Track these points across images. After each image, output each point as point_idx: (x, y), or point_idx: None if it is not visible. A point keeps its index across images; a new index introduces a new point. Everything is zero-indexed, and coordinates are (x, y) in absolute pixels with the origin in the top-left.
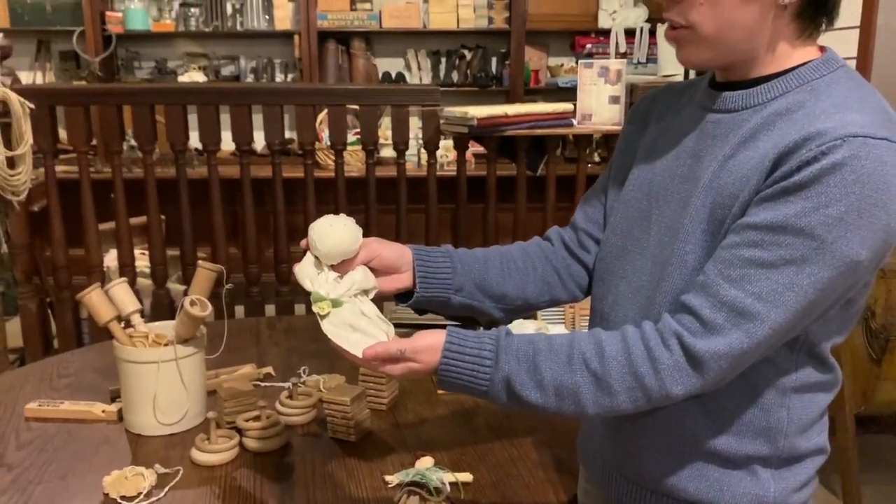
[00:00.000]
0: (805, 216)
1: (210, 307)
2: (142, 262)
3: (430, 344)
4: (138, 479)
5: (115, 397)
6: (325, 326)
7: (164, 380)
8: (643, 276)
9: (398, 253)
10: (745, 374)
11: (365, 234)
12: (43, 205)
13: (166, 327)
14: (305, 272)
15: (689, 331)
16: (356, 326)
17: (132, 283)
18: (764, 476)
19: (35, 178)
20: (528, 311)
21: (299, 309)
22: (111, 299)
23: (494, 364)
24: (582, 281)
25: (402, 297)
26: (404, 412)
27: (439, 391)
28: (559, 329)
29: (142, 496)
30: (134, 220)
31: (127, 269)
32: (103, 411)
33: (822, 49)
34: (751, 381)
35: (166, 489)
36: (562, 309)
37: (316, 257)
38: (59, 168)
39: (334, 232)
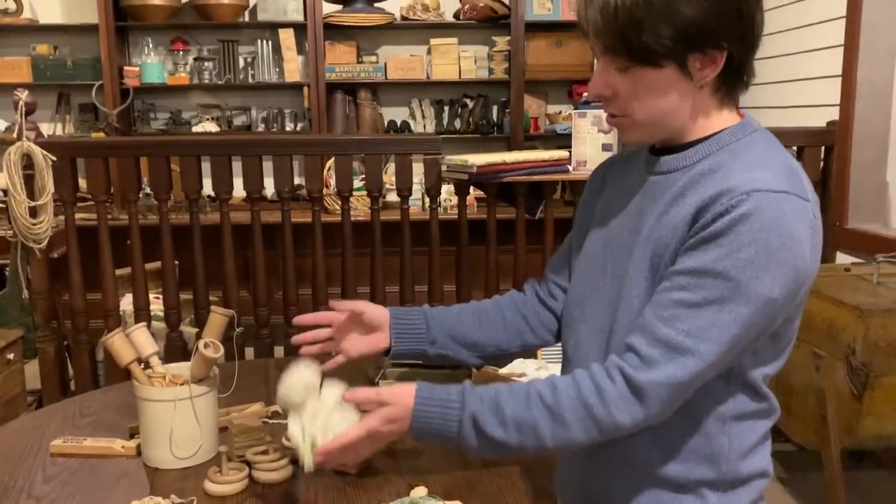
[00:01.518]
0: (721, 261)
1: (222, 349)
2: (156, 305)
3: (404, 391)
4: None
5: (133, 434)
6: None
7: (180, 417)
8: (601, 320)
9: (381, 313)
10: (688, 406)
11: (371, 277)
12: (62, 251)
13: (182, 368)
14: (292, 432)
15: (630, 365)
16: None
17: (147, 326)
18: (711, 499)
19: (55, 226)
20: (503, 357)
21: None
22: (132, 342)
23: (461, 405)
24: (552, 326)
25: (387, 352)
26: (401, 445)
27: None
28: (559, 367)
29: None
30: (148, 266)
31: (142, 312)
32: (123, 447)
33: (741, 114)
34: (693, 412)
35: None
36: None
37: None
38: (77, 216)
39: (286, 380)
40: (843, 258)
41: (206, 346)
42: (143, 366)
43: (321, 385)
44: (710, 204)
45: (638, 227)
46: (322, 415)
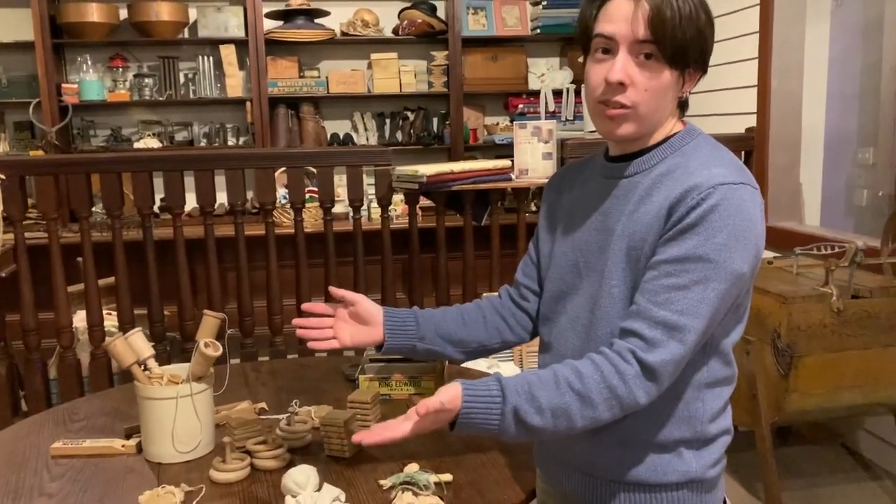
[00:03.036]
0: (701, 246)
1: (221, 348)
2: (109, 321)
3: (454, 394)
4: (169, 496)
5: (130, 434)
6: None
7: (182, 413)
8: (579, 311)
9: (374, 309)
10: (679, 381)
11: (325, 285)
12: (11, 270)
13: (176, 369)
14: None
15: (639, 348)
16: None
17: (100, 342)
18: (687, 456)
19: (3, 244)
20: (484, 353)
21: (262, 356)
22: (131, 346)
23: (503, 400)
24: (527, 325)
25: (379, 346)
26: None
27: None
28: (509, 365)
29: None
30: (100, 282)
31: (96, 329)
32: (123, 446)
33: (683, 122)
34: (674, 382)
35: (194, 503)
36: (510, 351)
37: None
38: (26, 234)
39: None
40: (765, 254)
41: (206, 345)
42: (142, 368)
43: (321, 482)
44: (681, 199)
45: (607, 225)
46: (321, 496)
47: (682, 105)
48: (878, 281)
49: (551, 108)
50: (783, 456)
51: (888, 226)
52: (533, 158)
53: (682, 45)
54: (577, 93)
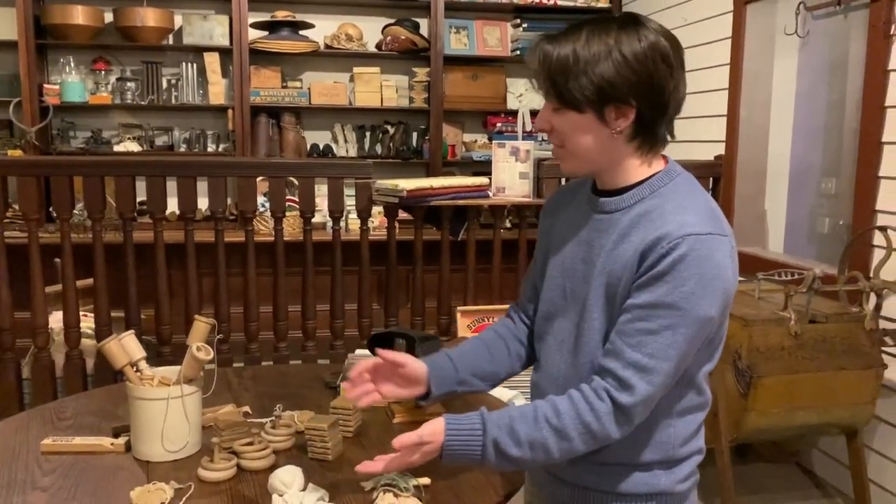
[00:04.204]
0: (670, 294)
1: (212, 352)
2: (85, 323)
3: (436, 429)
4: (160, 492)
5: (118, 433)
6: None
7: (171, 414)
8: (566, 334)
9: (421, 368)
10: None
11: (303, 295)
12: None
13: (167, 371)
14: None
15: (613, 387)
16: None
17: (76, 344)
18: (659, 474)
19: None
20: (510, 378)
21: (237, 363)
22: (124, 348)
23: (483, 433)
24: None
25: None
26: (368, 437)
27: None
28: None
29: None
30: (78, 283)
31: (72, 330)
32: (112, 444)
33: (666, 160)
34: (654, 411)
35: (184, 499)
36: None
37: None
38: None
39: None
40: None
41: (198, 349)
42: (134, 369)
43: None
44: (652, 247)
45: (590, 257)
46: (306, 496)
47: (644, 141)
48: (834, 307)
49: (528, 127)
50: (742, 473)
51: (845, 255)
52: (510, 177)
53: (561, 91)
54: None
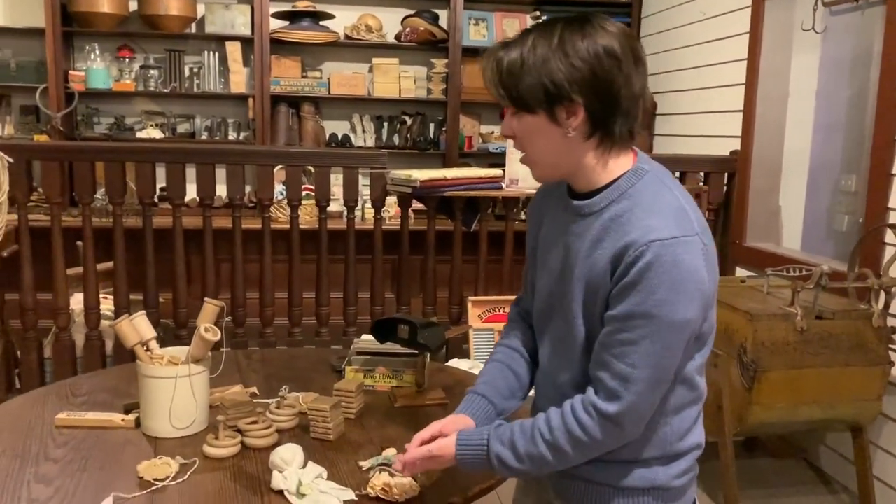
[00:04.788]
0: (642, 304)
1: (219, 333)
2: (105, 305)
3: (448, 444)
4: (166, 466)
5: (129, 410)
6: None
7: (179, 392)
8: (560, 333)
9: (461, 423)
10: None
11: (317, 283)
12: (12, 251)
13: (177, 351)
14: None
15: (601, 399)
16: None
17: (96, 325)
18: (657, 469)
19: (6, 225)
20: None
21: (252, 347)
22: (135, 328)
23: (487, 449)
24: None
25: None
26: (370, 419)
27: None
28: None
29: (169, 479)
30: (98, 266)
31: (92, 311)
32: (122, 420)
33: (635, 155)
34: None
35: (188, 474)
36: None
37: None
38: (29, 216)
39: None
40: (741, 273)
41: (206, 330)
42: (145, 348)
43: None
44: (621, 256)
45: (569, 262)
46: (305, 473)
47: (603, 138)
48: (843, 304)
49: None
50: (748, 467)
51: (855, 251)
52: (524, 169)
53: (511, 94)
54: None
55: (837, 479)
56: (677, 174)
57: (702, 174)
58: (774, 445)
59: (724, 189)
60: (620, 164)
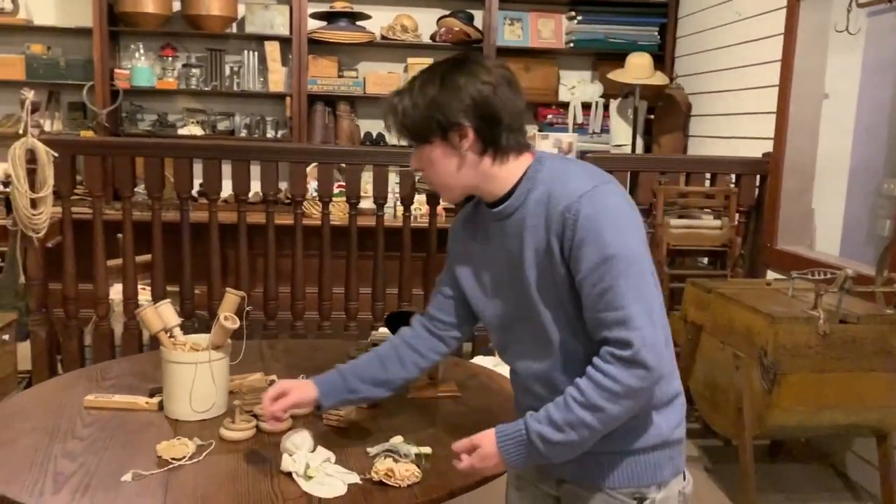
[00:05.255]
0: (599, 252)
1: (238, 321)
2: (142, 296)
3: (487, 436)
4: (183, 446)
5: (153, 393)
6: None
7: (200, 377)
8: (528, 337)
9: (308, 392)
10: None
11: (346, 278)
12: (56, 242)
13: (198, 338)
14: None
15: (614, 349)
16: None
17: (134, 315)
18: (657, 420)
19: (50, 217)
20: (408, 384)
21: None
22: (160, 315)
23: (526, 431)
24: (440, 349)
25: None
26: (381, 409)
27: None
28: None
29: (186, 458)
30: (137, 258)
31: (130, 301)
32: (146, 403)
33: (532, 153)
34: None
35: (204, 454)
36: None
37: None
38: (72, 209)
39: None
40: (772, 276)
41: (225, 318)
42: (168, 335)
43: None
44: (561, 223)
45: (512, 262)
46: (313, 457)
47: (495, 149)
48: (869, 308)
49: (580, 120)
50: (771, 471)
51: (884, 255)
52: None
53: (410, 132)
54: (606, 107)
55: (864, 486)
56: (708, 176)
57: (732, 176)
58: (800, 451)
59: (755, 192)
60: (520, 164)
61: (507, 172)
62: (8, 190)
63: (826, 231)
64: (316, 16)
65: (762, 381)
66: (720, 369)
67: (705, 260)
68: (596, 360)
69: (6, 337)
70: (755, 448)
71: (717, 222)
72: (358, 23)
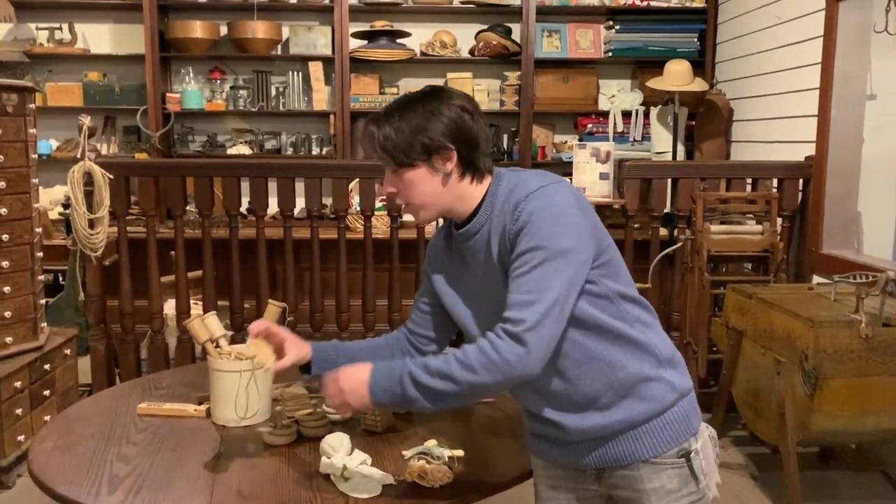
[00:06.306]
0: (531, 240)
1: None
2: (195, 310)
3: (361, 367)
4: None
5: (201, 401)
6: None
7: (244, 385)
8: (490, 324)
9: (305, 354)
10: (609, 327)
11: (389, 290)
12: (113, 260)
13: (243, 348)
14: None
15: (508, 325)
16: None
17: (187, 329)
18: (668, 377)
19: (107, 237)
20: None
21: None
22: (206, 326)
23: (402, 367)
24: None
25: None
26: (419, 414)
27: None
28: None
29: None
30: (190, 274)
31: (183, 316)
32: (195, 410)
33: (492, 174)
34: (614, 330)
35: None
36: None
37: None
38: (128, 228)
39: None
40: (818, 280)
41: None
42: (214, 345)
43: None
44: (512, 218)
45: (488, 271)
46: (350, 459)
47: (473, 171)
48: None
49: (619, 128)
50: (820, 478)
51: None
52: (590, 177)
53: (393, 156)
54: (646, 115)
55: None
56: (749, 181)
57: (775, 181)
58: (851, 457)
59: (798, 196)
60: (485, 184)
61: (477, 192)
62: (68, 211)
63: (876, 234)
64: (357, 35)
65: (804, 386)
66: (762, 375)
67: (750, 266)
68: (489, 332)
69: (68, 351)
70: (804, 455)
71: (759, 227)
72: (398, 40)
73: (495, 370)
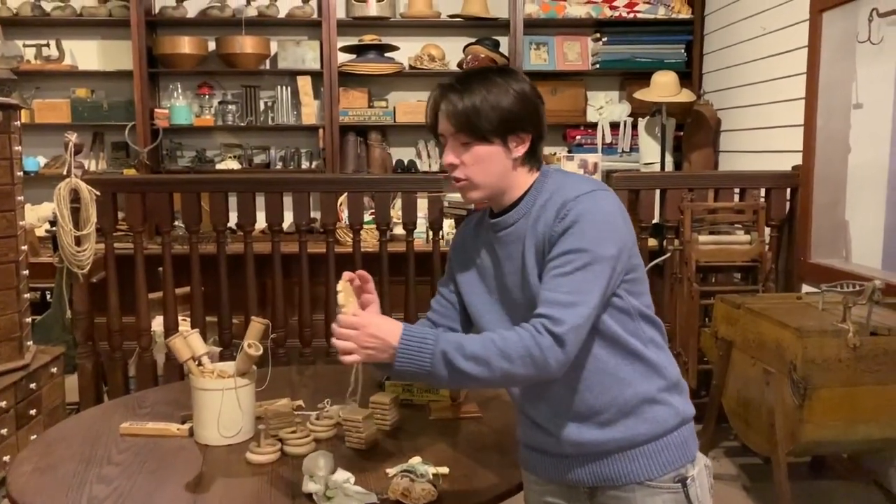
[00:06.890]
0: (576, 242)
1: (262, 348)
2: (183, 326)
3: (392, 327)
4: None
5: (184, 420)
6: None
7: (227, 403)
8: (512, 321)
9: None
10: (624, 342)
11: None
12: (100, 277)
13: (226, 366)
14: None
15: (549, 322)
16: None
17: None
18: (672, 400)
19: (95, 253)
20: None
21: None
22: (188, 344)
23: (435, 343)
24: None
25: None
26: (404, 431)
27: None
28: None
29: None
30: (178, 291)
31: (171, 333)
32: (178, 429)
33: (538, 170)
34: (612, 354)
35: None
36: None
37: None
38: (115, 245)
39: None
40: (808, 289)
41: (249, 346)
42: (196, 363)
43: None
44: (556, 216)
45: (517, 266)
46: (332, 478)
47: (532, 160)
48: None
49: (608, 139)
50: (812, 488)
51: None
52: None
53: (475, 128)
54: (635, 126)
55: None
56: (737, 191)
57: (763, 191)
58: (843, 467)
59: (786, 205)
60: (532, 177)
61: (525, 183)
62: (54, 229)
63: (864, 243)
64: (346, 49)
65: (793, 396)
66: (752, 385)
67: (739, 276)
68: (528, 325)
69: (55, 370)
70: (796, 466)
71: (747, 237)
72: (386, 54)
73: (531, 364)
